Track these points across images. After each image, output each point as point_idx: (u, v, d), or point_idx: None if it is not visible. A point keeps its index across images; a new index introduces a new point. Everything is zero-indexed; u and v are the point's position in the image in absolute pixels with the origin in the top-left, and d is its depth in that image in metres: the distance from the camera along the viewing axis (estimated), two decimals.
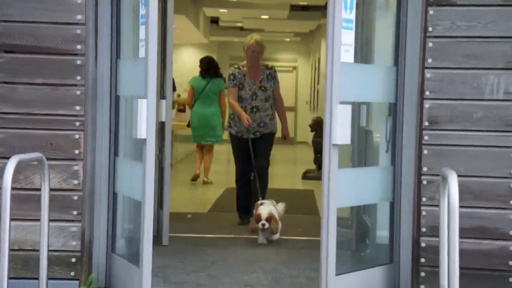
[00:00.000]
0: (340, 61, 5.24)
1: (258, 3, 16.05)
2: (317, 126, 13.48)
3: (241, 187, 8.39)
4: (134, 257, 5.86)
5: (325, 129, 5.32)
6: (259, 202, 7.78)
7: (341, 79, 5.27)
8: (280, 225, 7.68)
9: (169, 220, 7.78)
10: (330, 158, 5.31)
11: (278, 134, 8.68)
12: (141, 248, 5.28)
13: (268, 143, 8.29)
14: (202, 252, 7.21)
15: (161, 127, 8.01)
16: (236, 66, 8.32)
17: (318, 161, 13.89)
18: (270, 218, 7.32)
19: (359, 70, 5.70)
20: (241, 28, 20.88)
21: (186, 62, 21.35)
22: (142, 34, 5.37)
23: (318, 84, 19.96)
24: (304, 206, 10.42)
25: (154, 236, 7.50)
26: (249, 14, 17.65)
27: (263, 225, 7.28)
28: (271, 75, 8.18)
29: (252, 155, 8.10)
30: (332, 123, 5.31)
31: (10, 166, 4.88)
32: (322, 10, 16.00)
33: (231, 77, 8.15)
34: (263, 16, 17.83)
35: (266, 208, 7.49)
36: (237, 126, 8.18)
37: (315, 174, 13.56)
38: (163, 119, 7.92)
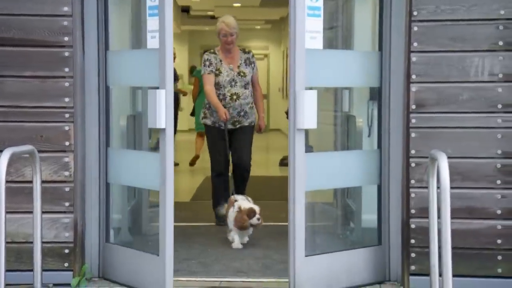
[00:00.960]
0: (305, 48, 5.39)
1: None
2: None
3: (219, 183, 7.67)
4: (145, 245, 6.09)
5: (290, 115, 5.45)
6: (233, 197, 7.18)
7: (308, 65, 5.40)
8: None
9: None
10: (295, 143, 5.44)
11: None
12: (161, 236, 5.45)
13: (249, 136, 7.64)
14: (190, 240, 7.25)
15: None
16: (212, 50, 7.58)
17: None
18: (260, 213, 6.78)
19: (330, 56, 5.78)
20: (212, 17, 20.75)
21: None
22: (151, 25, 5.44)
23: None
24: (284, 193, 10.36)
25: (137, 226, 7.52)
26: (221, 2, 17.68)
27: (258, 219, 6.71)
28: (249, 60, 7.52)
29: (230, 147, 7.50)
30: (296, 109, 5.43)
31: (4, 159, 4.91)
32: None
33: (207, 62, 7.43)
34: (235, 4, 17.84)
35: (249, 203, 6.95)
36: (213, 116, 7.46)
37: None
38: (140, 110, 7.62)
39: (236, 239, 6.74)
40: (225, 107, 7.24)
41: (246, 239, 6.83)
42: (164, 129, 5.28)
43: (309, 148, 5.81)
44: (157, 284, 5.52)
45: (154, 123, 5.24)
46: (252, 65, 7.48)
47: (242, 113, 7.37)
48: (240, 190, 7.40)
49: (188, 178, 12.72)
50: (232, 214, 6.84)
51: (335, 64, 5.83)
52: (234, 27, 7.32)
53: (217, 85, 7.35)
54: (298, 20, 5.44)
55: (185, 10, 20.26)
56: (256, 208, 6.71)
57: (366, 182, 6.00)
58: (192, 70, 23.78)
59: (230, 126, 7.36)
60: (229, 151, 7.48)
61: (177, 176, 12.81)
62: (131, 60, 5.93)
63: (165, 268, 5.32)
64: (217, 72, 7.32)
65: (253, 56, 7.57)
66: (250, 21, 21.79)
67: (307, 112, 5.44)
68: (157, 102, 5.33)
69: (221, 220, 7.35)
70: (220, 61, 7.35)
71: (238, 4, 17.84)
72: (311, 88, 5.67)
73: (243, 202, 6.87)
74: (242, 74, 7.35)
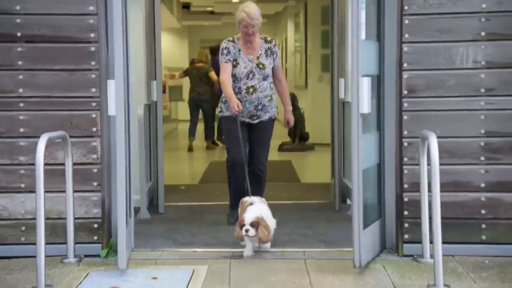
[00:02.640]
0: (361, 39, 5.44)
1: None
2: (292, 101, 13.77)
3: (238, 175, 6.57)
4: None
5: (353, 101, 5.48)
6: (247, 200, 6.17)
7: (361, 54, 5.44)
8: (271, 233, 5.90)
9: (164, 192, 7.96)
10: (358, 126, 5.45)
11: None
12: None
13: (268, 132, 6.69)
14: (202, 217, 7.45)
15: (153, 106, 8.14)
16: (231, 38, 6.57)
17: (294, 134, 14.12)
18: (257, 223, 5.72)
19: (368, 46, 5.81)
20: (212, 12, 20.82)
21: (163, 46, 21.08)
22: None
23: (286, 62, 20.19)
24: (285, 175, 10.70)
25: (150, 206, 7.81)
26: None
27: (247, 231, 5.69)
28: (271, 49, 6.53)
29: (247, 141, 6.60)
30: (359, 95, 5.45)
31: (41, 144, 5.23)
32: None
33: (225, 51, 6.46)
34: (233, 0, 17.84)
35: (253, 210, 5.88)
36: (229, 110, 6.45)
37: (290, 146, 13.86)
38: (155, 99, 8.08)
39: (247, 245, 5.85)
40: (240, 101, 6.36)
41: (265, 247, 5.93)
42: (114, 117, 5.47)
43: None
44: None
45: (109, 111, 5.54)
46: (274, 55, 6.56)
47: (260, 107, 6.48)
48: (257, 192, 6.46)
49: (194, 163, 13.02)
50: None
51: (369, 54, 5.83)
52: (256, 17, 6.36)
53: (233, 77, 6.48)
54: (355, 12, 5.46)
55: (186, 6, 20.20)
56: (248, 218, 5.71)
57: (376, 161, 6.08)
58: (192, 62, 24.18)
59: (248, 120, 6.52)
60: (246, 144, 6.63)
61: (185, 161, 13.26)
62: None
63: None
64: (234, 63, 6.45)
65: (275, 45, 6.61)
66: None
67: (366, 98, 5.50)
68: (108, 92, 5.57)
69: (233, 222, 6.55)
70: (239, 51, 6.47)
71: (237, 0, 17.90)
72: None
73: (253, 208, 5.87)
74: (261, 66, 6.45)
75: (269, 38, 6.57)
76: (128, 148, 6.10)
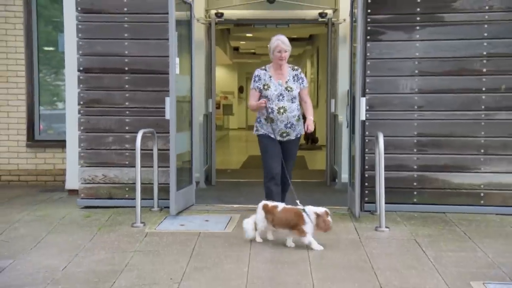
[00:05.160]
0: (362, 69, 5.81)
1: (266, 37, 14.19)
2: None
3: (273, 186, 5.59)
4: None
5: (356, 112, 5.81)
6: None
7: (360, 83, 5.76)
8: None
9: (215, 174, 8.35)
10: (359, 129, 5.83)
11: None
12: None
13: (295, 148, 5.76)
14: (239, 188, 7.89)
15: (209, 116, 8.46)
16: (263, 67, 5.71)
17: (307, 138, 14.31)
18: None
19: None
20: (254, 53, 20.62)
21: (218, 76, 20.78)
22: None
23: None
24: (298, 165, 10.39)
25: (206, 181, 8.15)
26: (259, 44, 17.43)
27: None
28: (297, 76, 5.65)
29: (281, 156, 5.59)
30: (360, 108, 5.81)
31: (139, 136, 5.76)
32: (306, 40, 15.77)
33: (256, 78, 5.65)
34: (268, 45, 17.69)
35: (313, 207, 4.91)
36: (264, 128, 5.62)
37: (305, 146, 13.91)
38: (210, 111, 8.45)
39: (314, 242, 4.84)
40: (273, 120, 5.55)
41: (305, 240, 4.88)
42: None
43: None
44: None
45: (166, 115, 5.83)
46: (300, 80, 5.65)
47: (289, 125, 5.57)
48: (283, 196, 5.75)
49: (236, 156, 13.04)
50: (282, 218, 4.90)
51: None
52: (288, 44, 5.63)
53: (266, 98, 5.63)
54: (360, 45, 5.75)
55: (236, 49, 19.71)
56: (327, 210, 4.92)
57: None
58: (241, 89, 23.90)
59: (278, 138, 5.57)
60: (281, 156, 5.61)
61: (229, 156, 13.65)
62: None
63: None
64: (265, 87, 5.58)
65: (300, 72, 5.71)
66: None
67: (364, 110, 5.87)
68: (167, 104, 5.88)
69: None
70: (270, 77, 5.60)
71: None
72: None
73: (310, 208, 4.89)
74: (289, 89, 5.57)
75: (296, 67, 5.76)
76: (191, 142, 6.60)
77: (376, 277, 4.23)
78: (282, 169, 5.53)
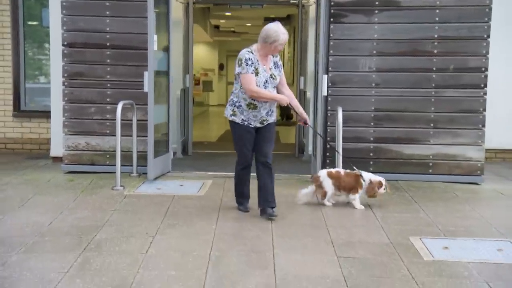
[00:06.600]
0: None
1: (245, 16, 15.80)
2: None
3: (245, 174, 5.21)
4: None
5: (318, 88, 6.08)
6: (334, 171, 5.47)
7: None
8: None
9: (192, 145, 8.57)
10: (322, 103, 6.12)
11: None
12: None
13: (273, 132, 5.16)
14: (214, 158, 8.21)
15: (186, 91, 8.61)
16: (249, 49, 4.95)
17: (282, 114, 14.56)
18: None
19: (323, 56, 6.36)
20: (234, 31, 20.50)
21: (199, 53, 20.63)
22: None
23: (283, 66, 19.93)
24: None
25: (183, 151, 8.36)
26: (239, 23, 17.65)
27: (385, 189, 5.36)
28: (277, 63, 5.06)
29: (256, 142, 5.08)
30: (322, 84, 6.11)
31: (119, 107, 6.02)
32: (284, 20, 15.37)
33: (249, 62, 4.87)
34: (247, 24, 17.78)
35: (367, 175, 5.41)
36: (244, 114, 4.98)
37: (279, 122, 13.77)
38: (187, 85, 8.60)
39: (358, 202, 5.41)
40: (256, 107, 4.97)
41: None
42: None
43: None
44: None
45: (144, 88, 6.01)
46: (280, 68, 5.08)
47: (270, 113, 5.06)
48: (270, 181, 5.13)
49: (214, 129, 13.29)
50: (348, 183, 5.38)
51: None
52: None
53: None
54: (326, 29, 6.05)
55: (216, 27, 19.71)
56: (382, 180, 5.35)
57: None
58: (221, 67, 23.69)
59: (258, 125, 5.04)
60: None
61: (206, 129, 13.82)
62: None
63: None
64: (256, 71, 4.92)
65: (279, 59, 5.11)
66: (255, 34, 20.61)
67: (325, 87, 6.17)
68: (144, 78, 5.97)
69: (246, 207, 5.32)
70: (258, 61, 4.93)
71: (249, 24, 17.72)
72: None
73: (367, 174, 5.39)
74: (273, 76, 4.99)
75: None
76: (168, 114, 6.81)
77: (328, 233, 4.70)
78: (262, 153, 5.07)
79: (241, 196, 5.30)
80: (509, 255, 4.15)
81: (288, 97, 5.06)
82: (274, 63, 5.04)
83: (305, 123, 5.21)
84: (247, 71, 4.87)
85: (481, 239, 4.57)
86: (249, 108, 4.96)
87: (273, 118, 5.13)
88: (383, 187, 5.34)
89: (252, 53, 4.91)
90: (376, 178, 5.38)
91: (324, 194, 5.45)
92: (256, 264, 3.91)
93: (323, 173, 5.48)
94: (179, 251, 4.15)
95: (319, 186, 5.44)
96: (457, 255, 4.13)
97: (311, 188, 5.49)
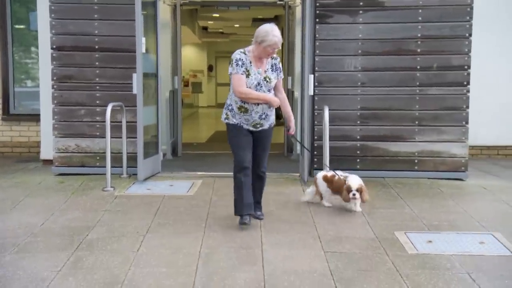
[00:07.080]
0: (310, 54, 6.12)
1: (233, 17, 15.73)
2: None
3: (244, 176, 4.75)
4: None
5: (304, 88, 6.18)
6: (333, 173, 5.37)
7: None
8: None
9: (182, 146, 8.60)
10: (308, 102, 6.21)
11: None
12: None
13: (269, 139, 4.97)
14: (204, 159, 8.30)
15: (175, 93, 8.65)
16: (242, 50, 4.76)
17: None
18: (360, 189, 5.12)
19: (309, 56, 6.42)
20: (222, 32, 20.38)
21: (188, 55, 20.92)
22: None
23: None
24: None
25: (173, 153, 8.41)
26: (227, 24, 17.54)
27: (354, 195, 5.11)
28: (276, 65, 4.81)
29: (251, 146, 4.85)
30: (308, 84, 6.19)
31: (108, 109, 6.09)
32: (271, 20, 15.40)
33: (239, 62, 4.69)
34: (235, 25, 17.65)
35: (354, 178, 5.18)
36: (236, 118, 4.76)
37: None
38: (176, 87, 8.65)
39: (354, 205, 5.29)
40: (247, 111, 4.73)
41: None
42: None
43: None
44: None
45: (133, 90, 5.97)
46: (278, 71, 4.84)
47: (263, 116, 4.78)
48: (260, 191, 5.06)
49: (204, 131, 13.40)
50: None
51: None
52: (281, 41, 4.73)
53: None
54: (311, 29, 6.13)
55: (205, 28, 19.51)
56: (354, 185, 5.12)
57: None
58: (210, 68, 23.46)
59: (251, 129, 4.80)
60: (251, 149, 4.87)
61: (196, 131, 13.87)
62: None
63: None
64: (246, 73, 4.71)
65: (279, 62, 4.86)
66: (246, 35, 20.44)
67: (312, 86, 6.26)
68: (133, 80, 6.02)
69: (248, 220, 4.81)
70: (250, 62, 4.72)
71: (238, 25, 17.53)
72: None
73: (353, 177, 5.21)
74: (268, 79, 4.73)
75: (275, 55, 4.85)
76: (157, 115, 6.84)
77: (316, 229, 4.80)
78: (255, 161, 4.88)
79: (240, 201, 4.76)
80: (491, 248, 4.27)
81: (280, 100, 4.84)
82: (272, 66, 4.79)
83: (288, 130, 4.99)
84: (236, 71, 4.68)
85: (464, 232, 4.69)
86: (240, 112, 4.74)
87: (269, 122, 4.85)
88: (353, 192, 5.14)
89: (245, 54, 4.73)
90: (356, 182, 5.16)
91: (321, 196, 5.52)
92: (245, 260, 4.00)
93: (319, 176, 5.52)
94: (170, 249, 4.23)
95: (317, 188, 5.52)
96: (440, 248, 4.25)
97: (312, 188, 5.57)
